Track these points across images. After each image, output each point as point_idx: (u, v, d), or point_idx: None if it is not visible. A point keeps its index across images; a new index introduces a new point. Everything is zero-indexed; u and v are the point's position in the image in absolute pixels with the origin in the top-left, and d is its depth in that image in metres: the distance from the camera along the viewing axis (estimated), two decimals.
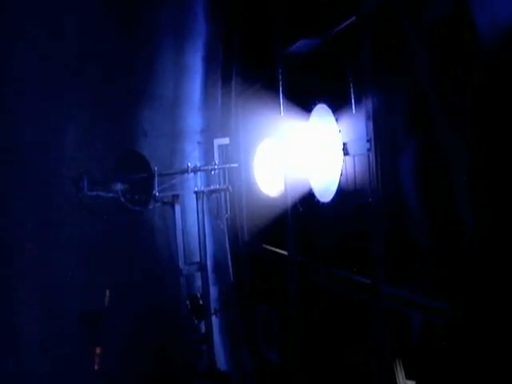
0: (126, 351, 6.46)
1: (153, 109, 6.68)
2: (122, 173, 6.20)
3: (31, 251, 6.20)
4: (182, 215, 6.40)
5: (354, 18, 3.80)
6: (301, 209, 4.94)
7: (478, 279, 2.68)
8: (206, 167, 6.37)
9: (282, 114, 5.26)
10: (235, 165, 6.46)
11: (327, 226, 4.45)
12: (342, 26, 3.97)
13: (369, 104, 3.70)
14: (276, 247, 5.57)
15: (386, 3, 3.45)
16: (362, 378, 3.99)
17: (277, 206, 5.38)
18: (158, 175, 6.06)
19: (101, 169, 6.15)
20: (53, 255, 6.30)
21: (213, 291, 6.76)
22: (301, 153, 4.90)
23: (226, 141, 6.64)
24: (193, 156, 6.66)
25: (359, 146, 3.86)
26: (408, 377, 3.48)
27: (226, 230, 6.96)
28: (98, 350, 6.37)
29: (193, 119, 7.02)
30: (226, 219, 6.77)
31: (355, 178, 4.04)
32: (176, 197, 6.31)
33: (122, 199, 6.17)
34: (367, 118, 3.73)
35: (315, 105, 4.54)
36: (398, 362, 3.57)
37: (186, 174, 6.23)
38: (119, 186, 6.16)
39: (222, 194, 6.54)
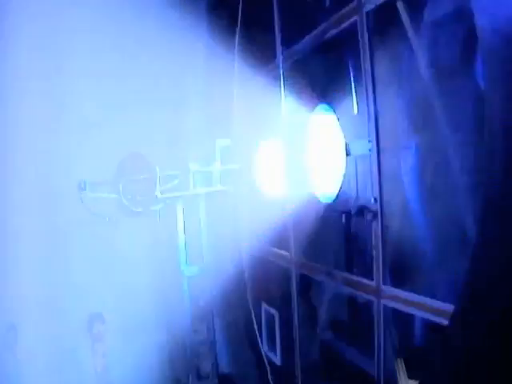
0: (128, 352, 6.45)
1: (154, 109, 6.68)
2: (123, 174, 6.20)
3: (32, 251, 6.20)
4: (184, 216, 6.39)
5: (355, 17, 3.78)
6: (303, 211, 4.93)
7: (480, 279, 2.66)
8: (208, 168, 6.36)
9: (284, 114, 5.24)
10: (237, 166, 6.45)
11: (329, 226, 4.43)
12: (344, 25, 3.95)
13: (370, 104, 3.69)
14: (278, 248, 5.55)
15: (387, 3, 3.43)
16: (364, 378, 3.97)
17: (278, 206, 5.37)
18: (159, 176, 6.06)
19: (102, 170, 6.15)
20: (54, 255, 6.30)
21: (215, 292, 6.75)
22: (302, 153, 4.89)
23: (227, 142, 6.64)
24: (194, 157, 6.64)
25: (361, 147, 3.85)
26: (410, 377, 3.46)
27: (228, 230, 6.94)
28: (99, 351, 6.36)
29: (194, 120, 7.01)
30: (228, 220, 6.77)
31: (357, 178, 4.03)
32: (178, 198, 6.31)
33: (124, 200, 6.17)
34: (369, 119, 3.71)
35: (317, 105, 4.53)
36: (400, 362, 3.56)
37: (188, 175, 6.23)
38: (121, 187, 6.16)
39: (225, 195, 6.53)
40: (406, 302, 3.42)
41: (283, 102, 5.23)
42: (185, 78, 6.93)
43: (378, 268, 3.69)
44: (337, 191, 4.27)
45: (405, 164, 3.43)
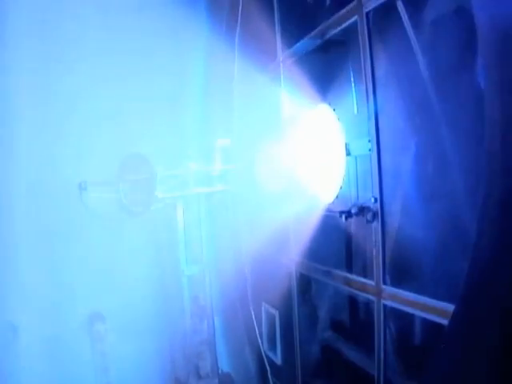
0: (128, 352, 6.46)
1: (154, 109, 6.68)
2: (124, 174, 6.20)
3: (32, 251, 6.21)
4: (184, 216, 6.39)
5: (355, 17, 3.78)
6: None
7: (482, 279, 2.66)
8: (208, 168, 6.36)
9: (284, 114, 5.25)
10: (237, 165, 6.45)
11: (329, 226, 4.43)
12: (344, 25, 3.95)
13: (371, 104, 3.69)
14: (278, 247, 5.55)
15: (387, 3, 3.43)
16: (364, 377, 3.97)
17: (279, 206, 5.37)
18: (160, 176, 6.06)
19: (103, 170, 6.15)
20: (54, 255, 6.30)
21: (215, 292, 6.75)
22: (303, 153, 4.89)
23: (227, 142, 6.64)
24: (194, 157, 6.64)
25: (361, 147, 3.85)
26: (411, 377, 3.46)
27: (228, 230, 6.95)
28: (99, 350, 6.37)
29: (194, 120, 7.02)
30: (228, 219, 6.77)
31: (357, 178, 4.03)
32: (178, 198, 6.31)
33: (124, 200, 6.17)
34: (369, 118, 3.71)
35: (317, 104, 4.53)
36: (400, 363, 3.57)
37: (188, 175, 6.23)
38: (121, 187, 6.17)
39: (225, 194, 6.53)
40: (406, 301, 3.43)
41: (283, 101, 5.24)
42: (185, 78, 6.93)
43: (378, 268, 3.70)
44: (337, 191, 4.28)
45: (405, 164, 3.43)
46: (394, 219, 3.59)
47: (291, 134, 5.12)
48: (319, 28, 4.32)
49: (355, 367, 4.17)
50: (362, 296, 3.98)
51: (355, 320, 4.23)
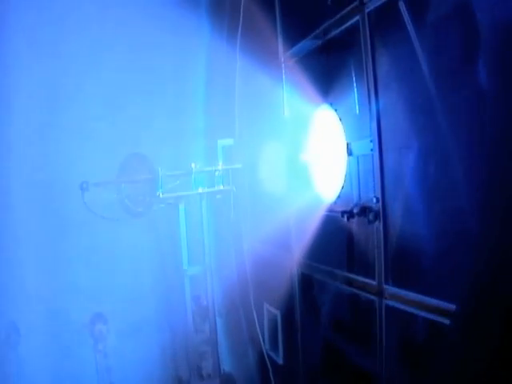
0: (130, 352, 6.47)
1: (156, 109, 6.69)
2: (125, 174, 6.21)
3: (34, 251, 6.22)
4: (186, 216, 6.40)
5: (357, 17, 3.78)
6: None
7: (484, 279, 2.66)
8: (210, 168, 6.36)
9: (286, 114, 5.25)
10: (239, 166, 6.45)
11: (331, 226, 4.43)
12: (346, 25, 3.96)
13: (373, 104, 3.69)
14: (280, 248, 5.55)
15: (389, 3, 3.43)
16: (367, 377, 3.97)
17: (280, 206, 5.37)
18: (161, 176, 6.07)
19: (104, 170, 6.16)
20: (56, 256, 6.32)
21: (217, 292, 6.76)
22: (304, 153, 4.89)
23: (229, 142, 6.65)
24: (196, 157, 6.65)
25: (363, 147, 3.85)
26: (413, 377, 3.46)
27: (230, 230, 6.95)
28: (101, 350, 6.38)
29: (197, 120, 7.02)
30: (231, 220, 6.77)
31: (359, 178, 4.03)
32: (180, 198, 6.31)
33: (126, 201, 6.18)
34: (371, 118, 3.71)
35: (319, 104, 4.53)
36: (402, 362, 3.56)
37: (190, 175, 6.23)
38: (123, 188, 6.17)
39: (227, 194, 6.53)
40: (408, 301, 3.42)
41: (285, 101, 5.24)
42: (187, 78, 6.94)
43: (380, 268, 3.70)
44: (339, 191, 4.27)
45: (407, 164, 3.43)
46: (396, 219, 3.58)
47: (293, 134, 5.12)
48: (321, 28, 4.33)
49: (357, 367, 4.17)
50: (364, 296, 3.98)
51: (357, 320, 4.22)
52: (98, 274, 6.48)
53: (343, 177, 4.19)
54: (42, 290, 6.23)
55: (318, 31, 4.39)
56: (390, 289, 3.62)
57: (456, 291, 2.89)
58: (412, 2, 3.19)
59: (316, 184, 4.74)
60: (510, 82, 2.43)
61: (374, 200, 3.70)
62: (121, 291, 6.52)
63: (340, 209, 4.03)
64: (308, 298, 5.09)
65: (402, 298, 3.50)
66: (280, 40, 5.24)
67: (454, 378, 2.87)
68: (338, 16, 4.01)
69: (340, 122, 4.20)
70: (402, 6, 3.23)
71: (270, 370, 6.10)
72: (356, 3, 3.75)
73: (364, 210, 3.81)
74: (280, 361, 5.81)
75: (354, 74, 4.00)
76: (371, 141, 3.70)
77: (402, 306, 3.51)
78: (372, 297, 3.83)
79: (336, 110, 4.27)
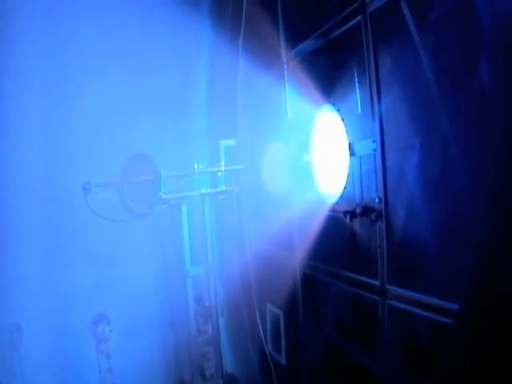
0: (132, 352, 6.47)
1: (159, 110, 6.69)
2: (128, 175, 6.21)
3: (37, 252, 6.22)
4: (189, 217, 6.41)
5: (359, 17, 3.78)
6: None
7: (487, 279, 2.66)
8: (213, 169, 6.37)
9: (288, 114, 5.25)
10: (242, 166, 6.46)
11: (333, 226, 4.43)
12: (348, 25, 3.96)
13: (375, 104, 3.69)
14: (282, 248, 5.56)
15: (391, 3, 3.44)
16: (369, 378, 3.97)
17: (283, 206, 5.37)
18: (164, 177, 6.07)
19: (107, 171, 6.17)
20: (58, 256, 6.32)
21: (220, 292, 6.76)
22: (307, 153, 4.89)
23: (232, 142, 6.65)
24: (199, 158, 6.65)
25: (365, 147, 3.85)
26: (415, 377, 3.46)
27: (232, 231, 6.95)
28: (104, 351, 6.38)
29: (199, 121, 7.03)
30: (233, 220, 6.77)
31: (361, 178, 4.03)
32: (183, 198, 6.32)
33: (129, 201, 6.18)
34: (373, 118, 3.71)
35: (321, 105, 4.53)
36: (405, 362, 3.56)
37: (193, 176, 6.24)
38: (126, 189, 6.18)
39: (229, 195, 6.54)
40: (410, 301, 3.42)
41: (288, 102, 5.24)
42: (189, 78, 6.95)
43: (383, 268, 3.70)
44: (341, 191, 4.27)
45: (409, 163, 3.43)
46: (399, 219, 3.58)
47: (295, 134, 5.13)
48: (323, 29, 4.33)
49: (360, 367, 4.16)
50: (367, 296, 3.98)
51: (360, 320, 4.22)
52: (100, 274, 6.49)
53: (346, 177, 4.19)
54: (44, 291, 6.23)
55: (320, 31, 4.39)
56: (393, 289, 3.62)
57: (459, 291, 2.89)
58: (414, 2, 3.19)
59: (318, 184, 4.74)
60: None
61: (377, 200, 3.70)
62: (123, 292, 6.53)
63: (342, 209, 4.03)
64: (311, 298, 5.09)
65: (404, 298, 3.50)
66: (282, 40, 5.24)
67: (457, 378, 2.87)
68: (340, 16, 4.01)
69: (342, 122, 4.20)
70: (404, 6, 3.24)
71: (273, 370, 6.10)
72: (358, 3, 3.75)
73: (366, 210, 3.80)
74: (283, 361, 5.81)
75: (356, 74, 4.00)
76: (373, 141, 3.70)
77: (404, 306, 3.51)
78: (375, 297, 3.83)
79: (338, 111, 4.28)
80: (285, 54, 5.20)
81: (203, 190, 6.33)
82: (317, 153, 4.77)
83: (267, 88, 5.70)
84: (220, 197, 6.54)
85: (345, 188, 4.23)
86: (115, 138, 6.42)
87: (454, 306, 2.91)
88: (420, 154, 3.32)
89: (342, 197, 4.29)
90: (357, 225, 4.07)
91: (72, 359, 6.36)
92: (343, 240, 4.31)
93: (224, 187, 6.43)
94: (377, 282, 3.79)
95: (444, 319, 3.05)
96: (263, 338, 6.36)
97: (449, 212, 3.06)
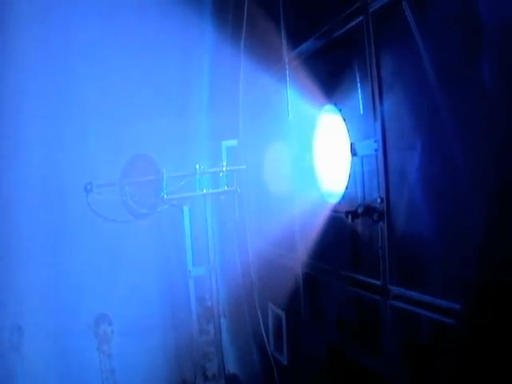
0: (134, 353, 6.47)
1: (160, 111, 6.70)
2: (130, 175, 6.21)
3: (39, 252, 6.23)
4: (191, 217, 6.41)
5: (361, 17, 3.78)
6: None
7: (489, 279, 2.66)
8: (215, 169, 6.37)
9: (290, 114, 5.25)
10: (243, 166, 6.46)
11: (335, 226, 4.43)
12: (350, 25, 3.96)
13: (377, 104, 3.69)
14: (284, 248, 5.56)
15: (393, 3, 3.43)
16: (371, 378, 3.97)
17: (284, 207, 5.37)
18: (166, 177, 6.07)
19: (108, 171, 6.17)
20: (60, 257, 6.33)
21: (222, 293, 6.76)
22: (309, 153, 4.89)
23: (233, 143, 6.65)
24: (201, 158, 6.66)
25: (367, 147, 3.85)
26: (417, 378, 3.45)
27: (234, 231, 6.95)
28: (106, 351, 6.38)
29: (200, 121, 7.03)
30: (235, 221, 6.77)
31: (363, 178, 4.02)
32: (184, 199, 6.32)
33: (131, 202, 6.18)
34: (375, 119, 3.71)
35: (323, 105, 4.53)
36: (407, 363, 3.56)
37: (194, 176, 6.24)
38: (127, 189, 6.18)
39: (231, 195, 6.54)
40: (412, 301, 3.42)
41: (289, 102, 5.24)
42: (191, 79, 6.95)
43: (385, 268, 3.69)
44: (343, 191, 4.27)
45: (411, 164, 3.42)
46: (401, 219, 3.58)
47: (297, 135, 5.13)
48: (325, 28, 4.33)
49: (362, 368, 4.16)
50: (369, 296, 3.97)
51: (362, 320, 4.22)
52: (102, 274, 6.50)
53: (347, 177, 4.19)
54: (45, 291, 6.24)
55: (321, 32, 4.40)
56: (395, 289, 3.61)
57: (461, 291, 2.89)
58: (416, 2, 3.18)
59: (320, 184, 4.74)
60: None
61: (379, 200, 3.70)
62: (125, 292, 6.53)
63: (344, 209, 4.02)
64: (313, 298, 5.09)
65: (406, 298, 3.49)
66: (284, 41, 5.24)
67: (459, 378, 2.87)
68: (342, 16, 4.01)
69: (344, 123, 4.20)
70: (406, 6, 3.23)
71: (275, 371, 6.10)
72: (359, 3, 3.75)
73: (368, 210, 3.80)
74: (285, 361, 5.81)
75: (358, 75, 4.00)
76: (375, 141, 3.70)
77: (406, 306, 3.51)
78: (377, 297, 3.82)
79: (340, 111, 4.27)
80: (286, 54, 5.20)
81: (205, 191, 6.33)
82: (318, 153, 4.77)
83: (269, 88, 5.71)
84: (222, 197, 6.54)
85: (346, 188, 4.23)
86: (117, 138, 6.43)
87: (456, 306, 2.90)
88: (422, 154, 3.32)
89: (343, 197, 4.28)
90: (359, 225, 4.07)
91: (74, 360, 6.37)
92: (345, 240, 4.31)
93: (226, 187, 6.43)
94: (378, 282, 3.79)
95: (446, 319, 3.04)
96: (265, 339, 6.36)
97: (451, 212, 3.05)
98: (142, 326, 6.65)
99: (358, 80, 4.01)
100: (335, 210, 4.41)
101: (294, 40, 4.99)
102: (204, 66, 6.94)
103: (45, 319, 6.24)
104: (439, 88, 3.03)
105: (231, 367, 6.97)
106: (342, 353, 4.52)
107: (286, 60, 5.22)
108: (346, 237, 4.29)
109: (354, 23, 3.90)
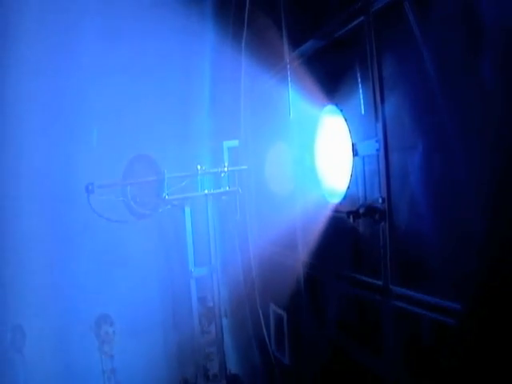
0: (136, 353, 6.48)
1: (162, 111, 6.70)
2: (131, 176, 6.22)
3: (40, 253, 6.23)
4: (192, 217, 6.41)
5: (362, 17, 3.78)
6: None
7: (490, 279, 2.66)
8: (216, 169, 6.37)
9: (291, 115, 5.25)
10: (245, 167, 6.46)
11: (337, 226, 4.43)
12: (351, 25, 3.96)
13: (378, 104, 3.69)
14: (286, 248, 5.56)
15: (394, 3, 3.44)
16: (373, 378, 3.97)
17: (286, 207, 5.37)
18: (167, 178, 6.08)
19: (110, 172, 6.17)
20: (61, 257, 6.33)
21: (223, 293, 6.76)
22: (310, 154, 4.89)
23: (235, 143, 6.66)
24: (202, 158, 6.66)
25: (368, 147, 3.85)
26: (419, 378, 3.46)
27: (236, 231, 6.95)
28: (107, 352, 6.39)
29: (202, 121, 7.03)
30: (236, 221, 6.78)
31: (365, 178, 4.03)
32: (186, 199, 6.32)
33: (132, 202, 6.19)
34: (376, 119, 3.71)
35: (325, 105, 4.53)
36: (408, 363, 3.56)
37: (196, 177, 6.24)
38: (129, 190, 6.18)
39: (232, 196, 6.55)
40: (414, 301, 3.42)
41: (291, 102, 5.24)
42: (192, 79, 6.95)
43: (386, 268, 3.69)
44: (344, 191, 4.27)
45: (412, 164, 3.43)
46: (402, 219, 3.58)
47: (298, 135, 5.13)
48: (326, 29, 4.33)
49: (363, 367, 4.16)
50: (370, 296, 3.98)
51: (363, 320, 4.22)
52: (103, 275, 6.50)
53: (349, 177, 4.19)
54: (47, 292, 6.24)
55: (323, 32, 4.40)
56: (396, 289, 3.62)
57: (462, 291, 2.89)
58: (417, 2, 3.19)
59: (322, 184, 4.74)
60: None
61: (380, 200, 3.70)
62: (127, 293, 6.54)
63: (346, 209, 4.03)
64: (314, 298, 5.09)
65: (408, 298, 3.50)
66: (285, 41, 5.24)
67: (461, 378, 2.87)
68: (343, 16, 4.02)
69: (345, 123, 4.20)
70: (407, 6, 3.24)
71: (276, 371, 6.10)
72: (361, 3, 3.75)
73: (370, 211, 3.80)
74: (286, 361, 5.81)
75: (359, 75, 4.00)
76: (377, 141, 3.70)
77: (408, 306, 3.51)
78: (378, 297, 3.83)
79: (341, 111, 4.27)
80: (288, 54, 5.20)
81: (206, 191, 6.33)
82: (320, 153, 4.77)
83: (270, 88, 5.71)
84: (223, 197, 6.55)
85: (348, 188, 4.23)
86: (118, 139, 6.44)
87: (457, 306, 2.91)
88: (423, 154, 3.32)
89: (345, 197, 4.29)
90: (360, 225, 4.07)
91: (75, 360, 6.37)
92: (346, 240, 4.31)
93: (227, 188, 6.44)
94: (380, 282, 3.79)
95: (447, 319, 3.05)
96: (266, 339, 6.37)
97: (452, 212, 3.05)
98: (144, 327, 6.65)
99: (359, 80, 4.01)
100: (337, 210, 4.42)
101: (296, 40, 4.99)
102: (205, 67, 6.94)
103: (46, 320, 6.25)
104: (440, 88, 3.03)
105: (232, 367, 6.97)
106: (344, 352, 4.52)
107: (288, 60, 5.22)
108: (347, 237, 4.29)
109: (355, 23, 3.90)
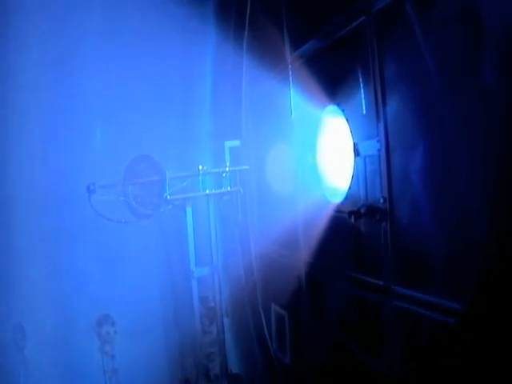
0: (137, 353, 6.48)
1: (163, 111, 6.70)
2: (132, 176, 6.23)
3: (41, 253, 6.24)
4: (194, 217, 6.41)
5: (363, 17, 3.78)
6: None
7: (491, 279, 2.66)
8: (217, 169, 6.38)
9: (293, 114, 5.25)
10: (246, 167, 6.46)
11: (338, 226, 4.43)
12: (352, 25, 3.96)
13: (380, 104, 3.69)
14: (287, 248, 5.56)
15: (395, 3, 3.44)
16: (374, 378, 3.97)
17: (288, 207, 5.37)
18: (168, 178, 6.08)
19: (111, 172, 6.18)
20: (62, 257, 6.33)
21: (224, 293, 6.76)
22: (312, 154, 4.90)
23: (236, 143, 6.66)
24: (203, 159, 6.67)
25: (370, 147, 3.85)
26: (420, 378, 3.46)
27: (237, 231, 6.96)
28: (108, 352, 6.39)
29: (203, 121, 7.04)
30: (238, 221, 6.78)
31: (366, 178, 4.03)
32: (187, 199, 6.32)
33: (134, 203, 6.19)
34: (378, 119, 3.72)
35: (326, 105, 4.54)
36: (410, 363, 3.56)
37: (197, 177, 6.25)
38: (130, 190, 6.19)
39: (234, 196, 6.55)
40: (415, 301, 3.42)
41: (292, 102, 5.24)
42: (193, 79, 6.95)
43: (388, 268, 3.70)
44: (346, 191, 4.27)
45: (414, 163, 3.43)
46: (404, 219, 3.58)
47: (300, 135, 5.13)
48: (327, 29, 4.33)
49: (365, 367, 4.16)
50: (372, 296, 3.98)
51: (364, 320, 4.22)
52: (105, 275, 6.50)
53: (350, 177, 4.19)
54: (48, 292, 6.25)
55: (324, 32, 4.40)
56: (398, 289, 3.62)
57: (463, 291, 2.89)
58: (418, 2, 3.19)
59: (323, 184, 4.74)
60: None
61: (382, 200, 3.70)
62: (128, 293, 6.54)
63: (347, 209, 4.03)
64: (315, 298, 5.09)
65: (409, 298, 3.50)
66: (286, 41, 5.25)
67: (461, 378, 2.87)
68: (344, 16, 4.02)
69: (347, 123, 4.20)
70: (409, 6, 3.24)
71: (278, 371, 6.10)
72: (362, 3, 3.76)
73: (371, 211, 3.80)
74: (287, 361, 5.82)
75: (360, 75, 4.00)
76: (378, 141, 3.70)
77: (409, 306, 3.51)
78: (380, 297, 3.83)
79: (343, 111, 4.28)
80: (289, 54, 5.21)
81: (208, 191, 6.33)
82: (321, 153, 4.77)
83: (272, 88, 5.71)
84: (225, 198, 6.55)
85: (349, 188, 4.23)
86: (120, 139, 6.44)
87: (459, 306, 2.91)
88: (425, 154, 3.32)
89: (346, 197, 4.29)
90: (361, 225, 4.07)
91: (76, 360, 6.37)
92: (348, 240, 4.31)
93: (229, 188, 6.44)
94: (381, 282, 3.80)
95: (449, 319, 3.05)
96: (268, 338, 6.37)
97: (453, 212, 3.05)
98: (145, 326, 6.65)
99: (360, 80, 4.01)
100: (338, 210, 4.42)
101: (297, 40, 5.00)
102: (207, 67, 6.94)
103: (48, 320, 6.25)
104: (442, 88, 3.03)
105: (234, 367, 6.97)
106: (345, 352, 4.52)
107: (289, 60, 5.22)
108: (348, 237, 4.29)
109: (356, 24, 3.90)
